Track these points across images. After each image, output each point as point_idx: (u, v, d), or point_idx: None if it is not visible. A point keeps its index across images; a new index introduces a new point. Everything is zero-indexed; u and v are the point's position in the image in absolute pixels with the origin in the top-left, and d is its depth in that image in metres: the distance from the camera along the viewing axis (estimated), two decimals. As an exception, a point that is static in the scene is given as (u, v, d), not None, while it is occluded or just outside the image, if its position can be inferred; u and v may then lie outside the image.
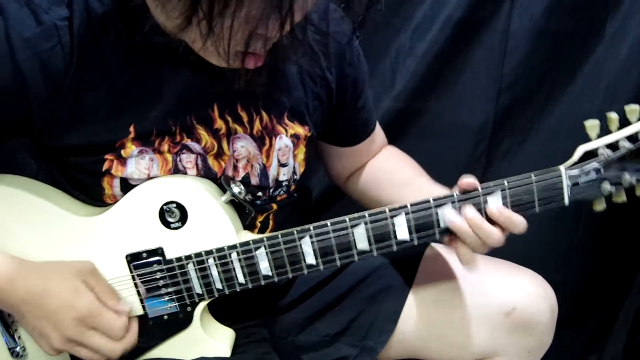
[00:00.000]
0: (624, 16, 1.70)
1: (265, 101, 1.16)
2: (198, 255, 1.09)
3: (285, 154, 1.20)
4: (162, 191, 1.08)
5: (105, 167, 1.07)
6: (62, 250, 1.09)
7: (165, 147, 1.08)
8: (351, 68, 1.25)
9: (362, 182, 1.42)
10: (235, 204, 1.13)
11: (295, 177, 1.25)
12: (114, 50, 1.03)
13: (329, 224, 1.06)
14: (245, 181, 1.16)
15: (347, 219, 1.05)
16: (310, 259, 1.08)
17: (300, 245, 1.07)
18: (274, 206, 1.23)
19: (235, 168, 1.15)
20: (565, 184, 1.03)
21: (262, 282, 1.10)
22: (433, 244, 1.32)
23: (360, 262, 1.12)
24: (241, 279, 1.09)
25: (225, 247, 1.08)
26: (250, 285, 1.10)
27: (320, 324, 1.31)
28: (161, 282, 1.10)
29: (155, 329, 1.13)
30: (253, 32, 0.87)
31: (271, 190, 1.21)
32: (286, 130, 1.19)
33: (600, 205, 1.07)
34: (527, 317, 1.23)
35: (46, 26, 0.97)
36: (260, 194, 1.20)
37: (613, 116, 1.03)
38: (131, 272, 1.10)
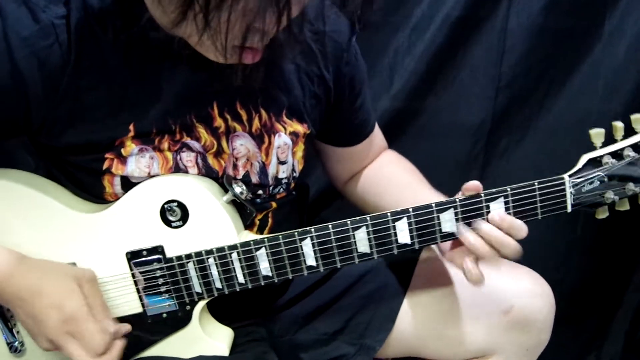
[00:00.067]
0: (622, 14, 1.70)
1: (264, 99, 1.15)
2: (198, 254, 1.08)
3: (285, 151, 1.19)
4: (163, 189, 1.07)
5: (105, 165, 1.06)
6: (62, 246, 1.09)
7: (165, 145, 1.08)
8: (348, 67, 1.25)
9: (361, 186, 1.42)
10: (237, 203, 1.12)
11: (294, 174, 1.25)
12: (112, 48, 1.02)
13: (330, 227, 1.06)
14: (246, 179, 1.16)
15: (349, 222, 1.05)
16: (311, 261, 1.08)
17: (301, 246, 1.07)
18: (273, 204, 1.22)
19: (235, 166, 1.15)
20: (569, 192, 1.03)
21: (262, 283, 1.10)
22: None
23: (359, 261, 1.12)
24: (241, 279, 1.09)
25: (226, 247, 1.08)
26: (250, 286, 1.10)
27: (318, 323, 1.32)
28: (161, 281, 1.10)
29: (154, 327, 1.13)
30: (250, 25, 0.86)
31: (271, 188, 1.21)
32: (285, 128, 1.18)
33: (602, 214, 1.07)
34: (525, 315, 1.24)
35: (44, 24, 0.97)
36: (260, 192, 1.20)
37: (618, 125, 1.03)
38: (131, 269, 1.10)
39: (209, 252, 1.08)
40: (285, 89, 1.17)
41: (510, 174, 1.80)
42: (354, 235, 1.06)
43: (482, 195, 1.04)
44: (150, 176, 1.08)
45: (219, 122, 1.11)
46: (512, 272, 1.26)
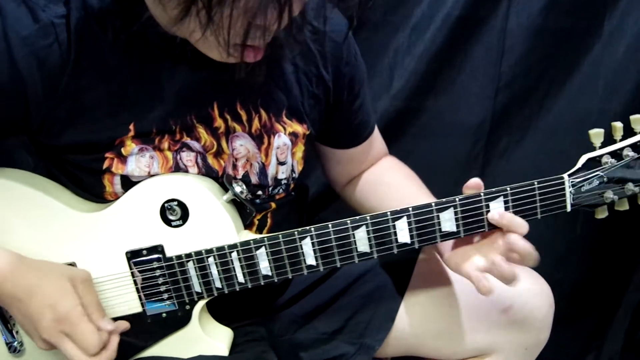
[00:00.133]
0: (622, 14, 1.70)
1: (264, 99, 1.15)
2: (198, 253, 1.08)
3: (284, 152, 1.19)
4: (163, 189, 1.07)
5: (105, 165, 1.06)
6: (62, 246, 1.09)
7: (165, 144, 1.08)
8: (348, 67, 1.24)
9: (359, 190, 1.41)
10: (237, 203, 1.13)
11: (294, 175, 1.25)
12: (111, 48, 1.02)
13: (330, 226, 1.06)
14: (245, 180, 1.16)
15: (349, 222, 1.05)
16: (311, 260, 1.08)
17: (301, 246, 1.07)
18: (273, 205, 1.22)
19: (234, 167, 1.15)
20: (568, 191, 1.03)
21: (262, 282, 1.10)
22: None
23: (358, 260, 1.12)
24: (241, 278, 1.09)
25: (226, 247, 1.08)
26: (249, 285, 1.10)
27: (317, 322, 1.32)
28: (160, 280, 1.10)
29: (154, 327, 1.13)
30: (252, 22, 0.86)
31: (270, 188, 1.21)
32: (284, 129, 1.18)
33: (602, 214, 1.07)
34: (525, 314, 1.25)
35: (43, 24, 0.97)
36: (259, 192, 1.20)
37: (618, 125, 1.04)
38: (131, 268, 1.10)
39: (209, 252, 1.08)
40: (285, 89, 1.17)
41: (510, 174, 1.80)
42: (353, 234, 1.06)
43: (482, 194, 1.04)
44: (150, 175, 1.08)
45: (219, 122, 1.11)
46: (511, 271, 1.26)
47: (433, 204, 1.04)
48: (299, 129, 1.20)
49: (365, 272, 1.35)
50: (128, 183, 1.09)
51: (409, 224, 1.05)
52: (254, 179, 1.17)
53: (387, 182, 1.37)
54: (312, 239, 1.06)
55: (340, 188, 1.47)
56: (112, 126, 1.05)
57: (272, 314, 1.35)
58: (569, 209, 1.05)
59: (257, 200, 1.20)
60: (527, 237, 1.04)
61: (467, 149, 1.83)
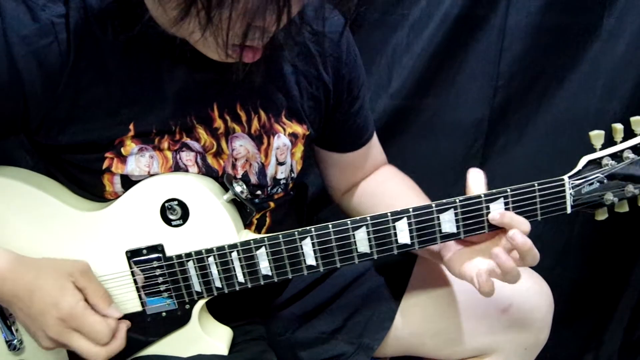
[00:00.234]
0: (621, 13, 1.70)
1: (264, 100, 1.16)
2: (198, 253, 1.08)
3: (284, 152, 1.19)
4: (164, 188, 1.07)
5: (105, 165, 1.07)
6: (62, 244, 1.09)
7: (165, 144, 1.08)
8: (347, 68, 1.24)
9: (357, 198, 1.40)
10: (237, 202, 1.13)
11: (292, 175, 1.25)
12: (111, 48, 1.02)
13: (330, 227, 1.06)
14: (244, 180, 1.16)
15: (349, 222, 1.05)
16: (311, 260, 1.08)
17: (301, 246, 1.07)
18: (272, 204, 1.23)
19: (234, 166, 1.15)
20: (568, 193, 1.04)
21: (262, 282, 1.10)
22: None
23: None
24: (241, 278, 1.09)
25: (226, 246, 1.08)
26: (249, 285, 1.10)
27: (316, 322, 1.32)
28: (160, 279, 1.10)
29: (153, 326, 1.13)
30: (251, 23, 0.86)
31: (269, 188, 1.21)
32: (284, 129, 1.18)
33: (602, 215, 1.07)
34: (524, 313, 1.25)
35: (43, 23, 0.96)
36: (258, 192, 1.20)
37: (618, 127, 1.04)
38: (131, 268, 1.10)
39: (209, 251, 1.08)
40: (285, 90, 1.17)
41: (508, 172, 1.80)
42: (354, 235, 1.06)
43: (482, 196, 1.04)
44: (150, 175, 1.08)
45: (218, 123, 1.11)
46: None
47: (433, 205, 1.04)
48: (299, 129, 1.20)
49: (364, 271, 1.36)
50: (128, 182, 1.09)
51: (409, 224, 1.05)
52: (253, 179, 1.17)
53: (386, 192, 1.36)
54: (312, 239, 1.06)
55: (338, 196, 1.46)
56: (112, 126, 1.05)
57: (272, 313, 1.35)
58: (569, 210, 1.05)
59: (256, 200, 1.20)
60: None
61: (466, 148, 1.83)
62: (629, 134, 1.05)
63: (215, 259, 1.08)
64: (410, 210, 1.05)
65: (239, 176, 1.15)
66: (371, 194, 1.38)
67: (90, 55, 1.00)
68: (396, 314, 1.29)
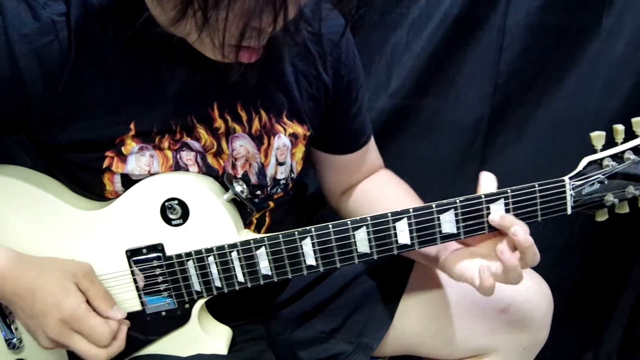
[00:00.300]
0: (620, 12, 1.70)
1: (265, 100, 1.15)
2: (198, 252, 1.08)
3: (284, 153, 1.19)
4: (164, 187, 1.07)
5: (105, 164, 1.06)
6: (61, 243, 1.09)
7: (165, 144, 1.08)
8: (346, 69, 1.24)
9: (353, 201, 1.40)
10: (237, 202, 1.12)
11: (292, 175, 1.24)
12: (112, 46, 1.02)
13: (330, 227, 1.05)
14: (244, 180, 1.16)
15: (349, 222, 1.05)
16: (311, 260, 1.08)
17: (301, 246, 1.07)
18: (271, 204, 1.23)
19: (233, 166, 1.15)
20: (569, 194, 1.04)
21: (262, 282, 1.10)
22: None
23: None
24: (241, 278, 1.09)
25: (226, 246, 1.08)
26: (249, 285, 1.10)
27: (316, 321, 1.32)
28: (160, 279, 1.10)
29: (153, 325, 1.13)
30: (247, 24, 0.86)
31: (269, 188, 1.21)
32: (285, 130, 1.18)
33: (602, 216, 1.07)
34: (523, 313, 1.25)
35: (44, 22, 0.96)
36: (258, 192, 1.20)
37: (619, 128, 1.04)
38: (131, 267, 1.10)
39: (209, 251, 1.08)
40: (286, 90, 1.17)
41: (508, 172, 1.76)
42: (354, 235, 1.05)
43: (483, 196, 1.04)
44: (150, 174, 1.08)
45: (219, 122, 1.11)
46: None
47: (433, 206, 1.04)
48: (300, 130, 1.20)
49: (363, 271, 1.36)
50: (128, 181, 1.09)
51: (409, 225, 1.05)
52: (253, 179, 1.17)
53: (383, 195, 1.35)
54: (312, 239, 1.06)
55: (335, 199, 1.45)
56: (113, 125, 1.05)
57: (271, 313, 1.35)
58: (569, 211, 1.05)
59: (256, 200, 1.20)
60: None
61: (465, 147, 1.83)
62: (629, 135, 1.05)
63: (215, 259, 1.08)
64: (411, 210, 1.04)
65: (239, 176, 1.15)
66: (368, 197, 1.38)
67: (90, 53, 1.00)
68: (395, 313, 1.29)
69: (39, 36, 0.96)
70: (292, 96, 1.18)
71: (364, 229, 1.05)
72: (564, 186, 1.03)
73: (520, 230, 1.00)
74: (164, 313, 1.12)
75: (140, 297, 1.11)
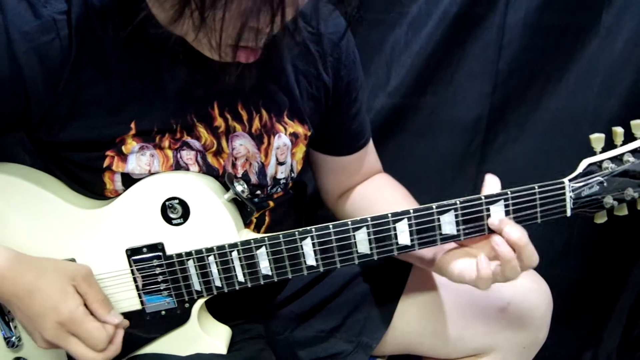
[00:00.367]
0: (619, 10, 1.70)
1: (266, 100, 1.15)
2: (198, 252, 1.09)
3: (284, 152, 1.19)
4: (164, 187, 1.07)
5: (106, 163, 1.06)
6: (61, 242, 1.09)
7: (165, 143, 1.08)
8: (346, 70, 1.24)
9: (351, 203, 1.39)
10: (237, 202, 1.12)
11: (292, 175, 1.25)
12: (112, 45, 1.02)
13: (331, 227, 1.06)
14: (245, 179, 1.16)
15: (350, 223, 1.05)
16: (311, 261, 1.08)
17: (302, 246, 1.07)
18: (271, 203, 1.23)
19: (234, 166, 1.15)
20: (569, 196, 1.04)
21: (262, 282, 1.10)
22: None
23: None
24: (241, 277, 1.09)
25: (226, 246, 1.08)
26: (249, 284, 1.10)
27: (315, 320, 1.33)
28: (160, 278, 1.10)
29: (152, 324, 1.13)
30: (245, 24, 0.86)
31: (269, 188, 1.21)
32: (285, 129, 1.18)
33: (601, 218, 1.08)
34: (522, 312, 1.25)
35: (44, 20, 0.96)
36: (258, 192, 1.20)
37: (618, 130, 1.04)
38: (130, 266, 1.10)
39: (209, 250, 1.08)
40: (287, 89, 1.17)
41: (507, 170, 1.77)
42: (354, 235, 1.06)
43: (483, 198, 1.04)
44: (151, 174, 1.08)
45: (219, 121, 1.11)
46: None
47: (434, 207, 1.04)
48: (300, 129, 1.20)
49: (363, 270, 1.36)
50: (129, 180, 1.09)
51: (410, 225, 1.05)
52: (253, 179, 1.17)
53: (381, 198, 1.35)
54: (312, 239, 1.06)
55: (332, 202, 1.45)
56: (113, 124, 1.05)
57: (271, 312, 1.35)
58: (569, 213, 1.05)
59: (256, 200, 1.20)
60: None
61: (464, 146, 1.83)
62: (629, 137, 1.05)
63: (215, 258, 1.08)
64: (411, 211, 1.05)
65: (239, 175, 1.15)
66: (365, 201, 1.37)
67: (91, 51, 1.00)
68: (395, 312, 1.29)
69: (39, 34, 0.96)
70: (293, 95, 1.18)
71: (364, 230, 1.05)
72: (563, 188, 1.03)
73: (513, 230, 1.01)
74: (163, 312, 1.12)
75: (140, 296, 1.12)
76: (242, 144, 1.14)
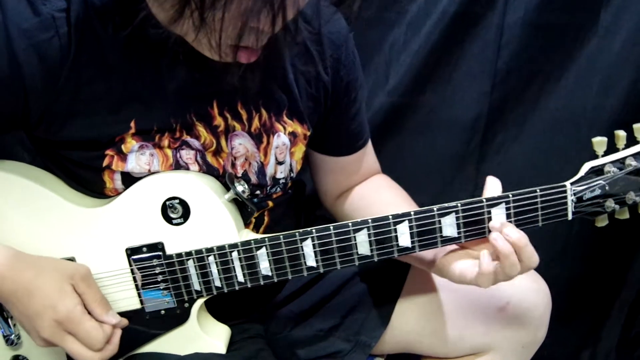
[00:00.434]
0: (617, 10, 1.70)
1: (265, 99, 1.15)
2: (198, 252, 1.08)
3: (283, 151, 1.19)
4: (165, 186, 1.07)
5: (105, 162, 1.06)
6: (61, 240, 1.09)
7: (165, 142, 1.08)
8: (345, 70, 1.24)
9: (349, 204, 1.39)
10: (238, 202, 1.12)
11: (292, 174, 1.24)
12: (111, 43, 1.01)
13: (331, 228, 1.05)
14: (245, 179, 1.16)
15: (350, 224, 1.05)
16: (311, 262, 1.08)
17: (302, 247, 1.07)
18: (270, 203, 1.23)
19: (233, 165, 1.15)
20: (570, 199, 1.04)
21: (262, 282, 1.10)
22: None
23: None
24: (241, 278, 1.09)
25: (227, 246, 1.08)
26: (249, 285, 1.10)
27: (314, 319, 1.32)
28: (160, 277, 1.10)
29: (152, 324, 1.13)
30: (245, 25, 0.86)
31: (268, 188, 1.21)
32: (284, 128, 1.18)
33: (602, 222, 1.08)
34: (521, 311, 1.25)
35: (44, 17, 0.96)
36: (257, 191, 1.20)
37: (620, 133, 1.04)
38: (130, 265, 1.10)
39: (210, 250, 1.08)
40: (286, 89, 1.17)
41: (506, 170, 1.80)
42: (354, 237, 1.05)
43: (484, 200, 1.04)
44: (150, 173, 1.08)
45: (218, 120, 1.11)
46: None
47: (435, 209, 1.04)
48: (299, 129, 1.20)
49: (361, 270, 1.36)
50: (129, 179, 1.08)
51: (410, 227, 1.05)
52: (253, 178, 1.17)
53: (380, 200, 1.35)
54: (313, 240, 1.06)
55: (330, 202, 1.44)
56: (113, 123, 1.04)
57: (270, 311, 1.35)
58: (570, 217, 1.06)
59: (255, 200, 1.20)
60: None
61: (463, 145, 1.82)
62: (631, 140, 1.05)
63: (215, 258, 1.08)
64: (412, 213, 1.04)
65: (239, 175, 1.15)
66: (364, 201, 1.37)
67: (91, 50, 1.00)
68: (393, 311, 1.29)
69: (38, 32, 0.96)
70: (292, 95, 1.18)
71: (364, 231, 1.05)
72: (565, 191, 1.03)
73: (512, 230, 1.01)
74: (163, 312, 1.12)
75: (139, 296, 1.11)
76: (242, 143, 1.14)
